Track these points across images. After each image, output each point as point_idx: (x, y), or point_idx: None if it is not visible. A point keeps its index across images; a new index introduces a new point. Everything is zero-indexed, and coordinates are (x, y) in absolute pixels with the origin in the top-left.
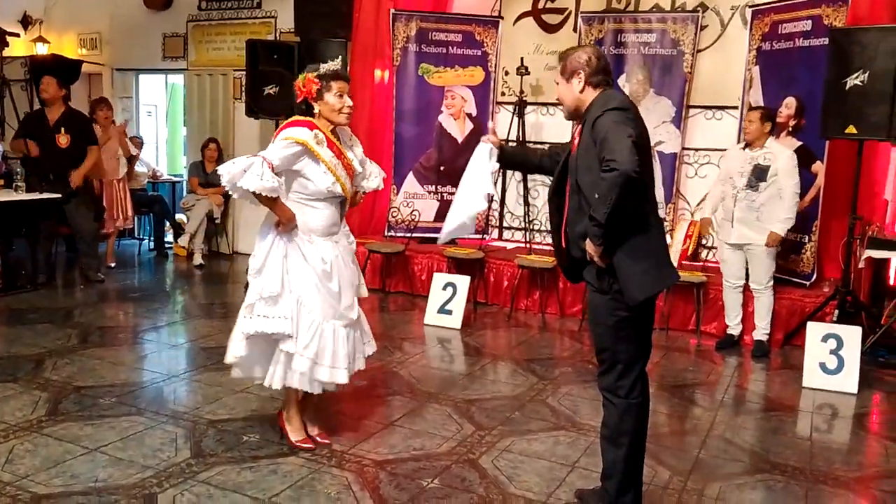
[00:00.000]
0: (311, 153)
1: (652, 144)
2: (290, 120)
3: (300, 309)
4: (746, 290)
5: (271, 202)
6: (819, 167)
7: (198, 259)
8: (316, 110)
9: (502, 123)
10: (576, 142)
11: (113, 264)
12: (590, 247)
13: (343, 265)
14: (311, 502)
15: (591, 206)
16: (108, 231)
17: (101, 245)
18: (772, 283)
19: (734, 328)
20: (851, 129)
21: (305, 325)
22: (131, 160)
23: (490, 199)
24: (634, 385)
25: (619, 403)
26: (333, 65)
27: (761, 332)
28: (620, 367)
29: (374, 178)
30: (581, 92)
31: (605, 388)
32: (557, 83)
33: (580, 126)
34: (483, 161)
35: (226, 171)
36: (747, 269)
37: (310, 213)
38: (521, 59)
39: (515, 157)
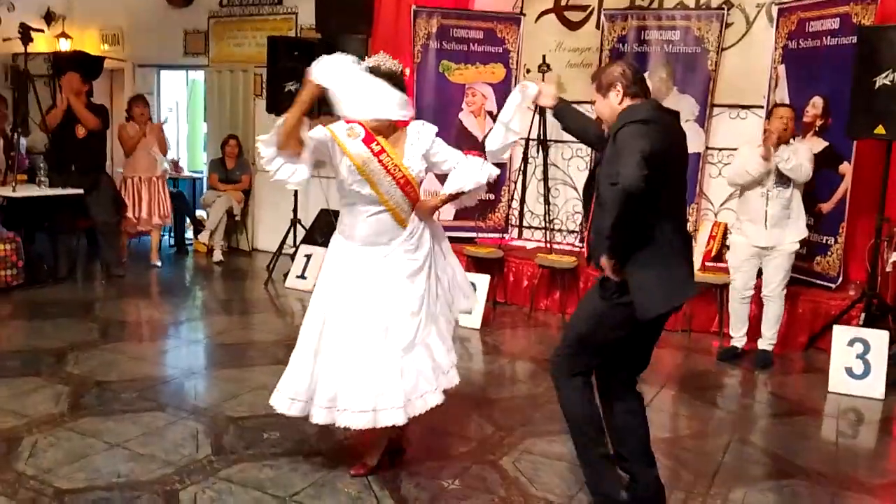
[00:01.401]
0: (338, 144)
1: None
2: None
3: None
4: (753, 301)
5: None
6: (846, 168)
7: (217, 255)
8: None
9: (523, 122)
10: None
11: (159, 263)
12: (603, 260)
13: (389, 284)
14: (331, 501)
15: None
16: (146, 230)
17: (145, 241)
18: (785, 291)
19: (738, 340)
20: (880, 130)
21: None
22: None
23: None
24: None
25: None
26: (386, 61)
27: (767, 341)
28: (577, 348)
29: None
30: (620, 104)
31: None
32: (595, 101)
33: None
34: (514, 94)
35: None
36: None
37: (351, 217)
38: (543, 56)
39: (569, 114)
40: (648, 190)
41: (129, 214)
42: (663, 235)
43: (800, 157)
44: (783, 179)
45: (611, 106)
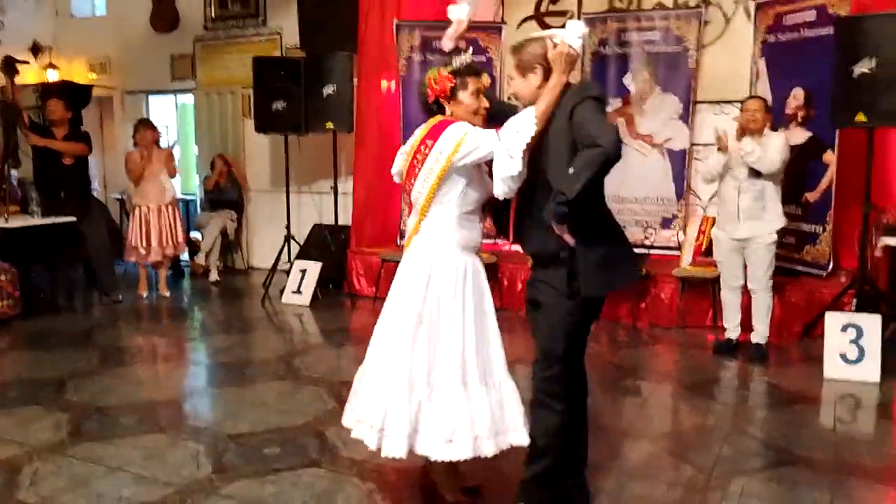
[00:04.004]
0: None
1: (661, 141)
2: (440, 120)
3: None
4: (744, 292)
5: None
6: (831, 157)
7: (213, 275)
8: (448, 112)
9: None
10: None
11: (167, 293)
12: (555, 227)
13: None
14: None
15: (559, 186)
16: (157, 261)
17: (158, 269)
18: (771, 282)
19: (732, 331)
20: (861, 118)
21: None
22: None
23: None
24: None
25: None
26: (466, 58)
27: (760, 335)
28: (560, 367)
29: None
30: (539, 87)
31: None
32: (512, 78)
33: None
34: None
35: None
36: (745, 271)
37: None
38: None
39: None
40: None
41: (138, 245)
42: (604, 216)
43: (768, 148)
44: (754, 171)
45: (529, 87)
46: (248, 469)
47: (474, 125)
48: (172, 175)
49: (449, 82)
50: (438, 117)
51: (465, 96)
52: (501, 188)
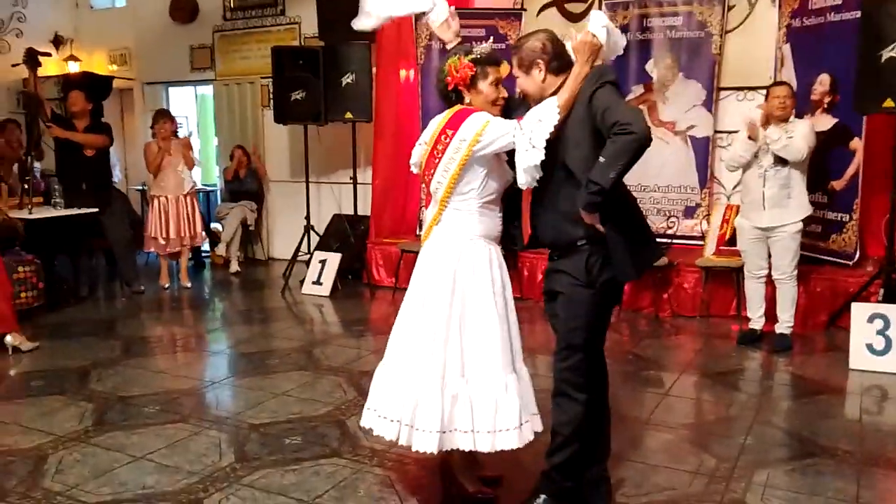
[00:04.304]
0: None
1: (684, 128)
2: (460, 109)
3: None
4: (768, 282)
5: None
6: (857, 144)
7: (234, 266)
8: (466, 101)
9: None
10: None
11: (188, 284)
12: (586, 217)
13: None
14: (353, 502)
15: (590, 175)
16: (175, 251)
17: (173, 259)
18: (796, 272)
19: (756, 322)
20: (889, 103)
21: None
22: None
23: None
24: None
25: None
26: (487, 47)
27: (784, 325)
28: (581, 356)
29: None
30: (544, 81)
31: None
32: (517, 77)
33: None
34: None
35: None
36: (769, 260)
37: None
38: None
39: None
40: None
41: (157, 235)
42: (625, 198)
43: (795, 135)
44: (780, 158)
45: (535, 83)
46: (270, 458)
47: (492, 115)
48: (190, 167)
49: (469, 70)
50: (458, 106)
51: (484, 85)
52: (524, 178)
